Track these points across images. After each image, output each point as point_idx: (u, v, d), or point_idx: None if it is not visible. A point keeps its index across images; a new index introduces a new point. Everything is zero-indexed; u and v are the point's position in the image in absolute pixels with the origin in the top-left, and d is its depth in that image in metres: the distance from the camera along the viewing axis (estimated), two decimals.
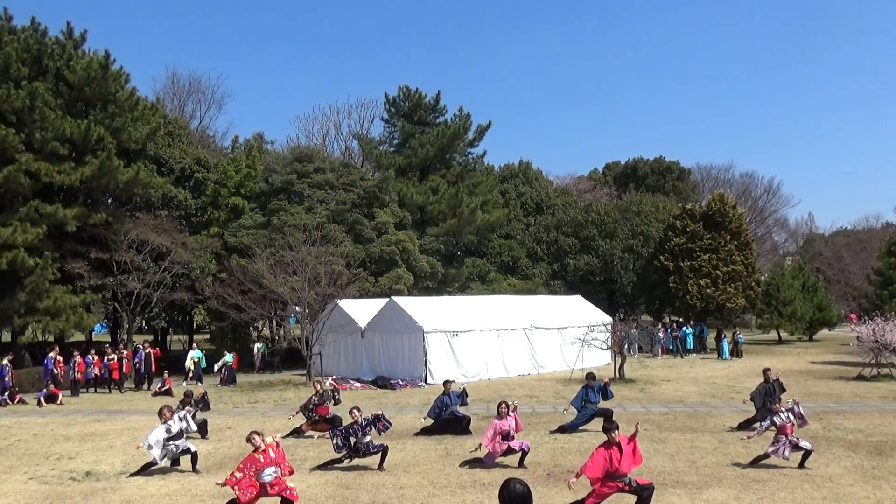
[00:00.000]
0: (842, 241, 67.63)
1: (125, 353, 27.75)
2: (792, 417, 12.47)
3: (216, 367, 29.18)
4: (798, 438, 12.37)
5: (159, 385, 25.60)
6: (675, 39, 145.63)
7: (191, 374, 28.92)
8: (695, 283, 40.40)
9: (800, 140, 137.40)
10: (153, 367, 28.02)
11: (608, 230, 46.98)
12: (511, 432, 12.89)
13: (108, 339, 41.02)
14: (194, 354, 29.64)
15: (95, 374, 26.81)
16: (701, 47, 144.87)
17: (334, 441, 12.66)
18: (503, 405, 13.15)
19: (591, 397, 16.27)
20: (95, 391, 26.95)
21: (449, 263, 41.59)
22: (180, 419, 12.87)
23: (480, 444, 12.94)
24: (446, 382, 16.69)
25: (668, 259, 41.73)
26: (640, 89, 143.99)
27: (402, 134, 44.57)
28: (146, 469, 12.69)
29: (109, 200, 34.35)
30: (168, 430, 12.62)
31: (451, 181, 42.76)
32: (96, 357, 27.09)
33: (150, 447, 12.45)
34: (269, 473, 9.84)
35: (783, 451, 12.22)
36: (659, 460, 12.95)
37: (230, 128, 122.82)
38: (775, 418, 12.47)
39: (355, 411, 12.76)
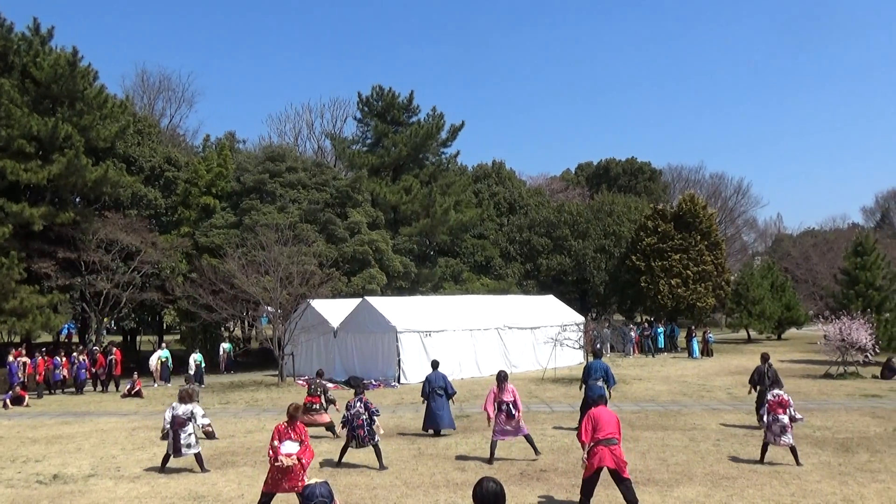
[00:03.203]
0: (809, 242, 68.50)
1: (83, 357, 27.11)
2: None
3: (191, 369, 28.51)
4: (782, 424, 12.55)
5: (129, 386, 25.23)
6: (647, 42, 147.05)
7: (158, 375, 28.49)
8: (666, 283, 40.75)
9: (769, 142, 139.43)
10: (117, 369, 27.49)
11: (580, 230, 47.24)
12: (510, 407, 13.03)
13: (76, 339, 40.41)
14: (161, 354, 29.20)
15: (63, 376, 26.39)
16: (673, 50, 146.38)
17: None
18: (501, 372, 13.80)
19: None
20: (62, 392, 26.52)
21: (422, 263, 41.57)
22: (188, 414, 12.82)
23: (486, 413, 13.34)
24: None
25: (640, 259, 42.06)
26: (612, 91, 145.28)
27: (376, 133, 44.49)
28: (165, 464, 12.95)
29: (77, 199, 33.91)
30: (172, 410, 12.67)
31: (425, 181, 42.76)
32: (64, 358, 26.66)
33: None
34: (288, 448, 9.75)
35: (774, 430, 12.49)
36: (630, 458, 12.98)
37: (201, 126, 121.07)
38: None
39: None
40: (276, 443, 9.62)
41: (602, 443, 9.54)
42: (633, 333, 38.28)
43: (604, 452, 9.52)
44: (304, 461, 9.56)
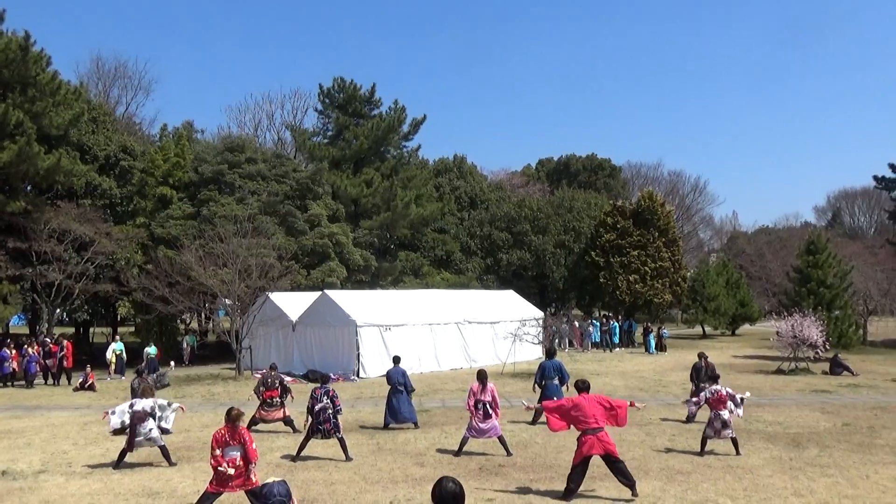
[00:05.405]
0: (763, 239, 69.79)
1: (32, 349, 26.41)
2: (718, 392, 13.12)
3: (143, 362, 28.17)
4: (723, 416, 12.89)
5: (81, 380, 24.70)
6: (607, 40, 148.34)
7: (113, 368, 28.04)
8: (624, 279, 41.24)
9: (726, 140, 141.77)
10: (68, 362, 26.92)
11: (541, 226, 47.53)
12: (487, 406, 13.05)
13: (27, 331, 39.47)
14: (115, 347, 28.78)
15: (13, 369, 25.72)
16: (633, 49, 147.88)
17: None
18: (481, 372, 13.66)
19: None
20: (12, 386, 25.86)
21: (382, 257, 41.44)
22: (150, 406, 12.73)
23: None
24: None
25: (599, 255, 42.49)
26: (574, 87, 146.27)
27: (337, 126, 44.17)
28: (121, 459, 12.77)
29: (29, 188, 33.05)
30: (130, 406, 12.69)
31: (386, 174, 42.60)
32: (13, 351, 25.99)
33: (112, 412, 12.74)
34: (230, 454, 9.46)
35: (716, 426, 12.87)
36: None
37: (158, 115, 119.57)
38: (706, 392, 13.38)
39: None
40: (217, 451, 9.33)
41: (589, 432, 9.91)
42: (590, 328, 38.69)
43: (592, 441, 9.91)
44: (254, 462, 9.45)
